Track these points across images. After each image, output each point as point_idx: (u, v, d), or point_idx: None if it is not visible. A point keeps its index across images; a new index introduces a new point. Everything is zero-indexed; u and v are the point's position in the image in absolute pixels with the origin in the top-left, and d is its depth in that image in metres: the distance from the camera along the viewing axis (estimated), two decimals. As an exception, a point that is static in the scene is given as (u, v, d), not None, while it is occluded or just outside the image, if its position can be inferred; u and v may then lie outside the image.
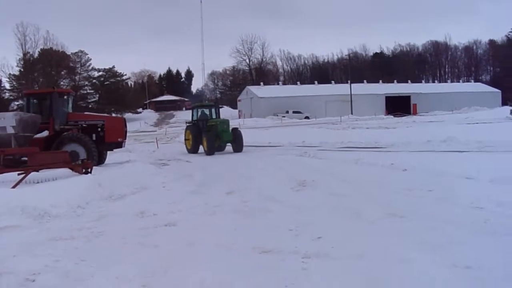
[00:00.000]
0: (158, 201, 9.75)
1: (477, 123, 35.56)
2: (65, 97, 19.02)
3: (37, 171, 12.51)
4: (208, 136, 22.92)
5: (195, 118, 25.45)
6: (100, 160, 18.54)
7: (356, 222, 7.01)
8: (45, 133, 17.28)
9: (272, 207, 8.31)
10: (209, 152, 22.60)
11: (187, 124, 26.07)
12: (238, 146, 23.32)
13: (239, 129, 24.82)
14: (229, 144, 23.81)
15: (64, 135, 17.44)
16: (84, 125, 18.44)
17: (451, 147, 17.30)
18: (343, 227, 6.74)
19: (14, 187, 10.79)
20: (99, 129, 18.51)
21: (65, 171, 12.74)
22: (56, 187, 10.59)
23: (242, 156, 21.10)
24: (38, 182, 12.06)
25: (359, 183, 10.84)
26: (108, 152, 19.88)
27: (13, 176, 11.70)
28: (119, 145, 18.98)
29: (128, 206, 9.40)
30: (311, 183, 10.86)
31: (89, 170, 12.90)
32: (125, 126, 19.44)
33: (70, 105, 19.44)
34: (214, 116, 25.27)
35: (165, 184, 12.64)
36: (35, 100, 18.80)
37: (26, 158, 13.45)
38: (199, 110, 25.81)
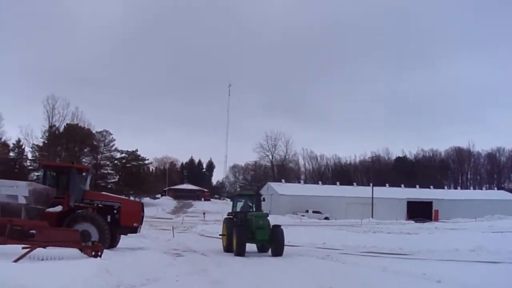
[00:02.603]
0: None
1: (501, 231, 34.09)
2: (84, 174, 18.68)
3: (44, 247, 11.77)
4: (238, 232, 18.62)
5: (235, 209, 21.60)
6: (112, 244, 17.78)
7: None
8: (59, 208, 16.65)
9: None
10: (238, 251, 18.16)
11: (226, 217, 22.05)
12: (277, 248, 18.49)
13: (281, 227, 19.61)
14: None
15: (78, 212, 16.81)
16: (99, 205, 17.89)
17: (481, 257, 16.34)
18: None
19: (16, 261, 10.37)
20: (115, 211, 17.81)
21: (74, 251, 12.03)
22: (60, 268, 9.90)
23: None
24: (42, 259, 11.33)
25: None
26: (122, 236, 19.02)
27: (17, 248, 11.15)
28: (134, 230, 18.21)
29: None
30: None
31: (99, 253, 12.33)
32: (142, 211, 18.84)
33: (88, 183, 19.07)
34: (253, 209, 21.01)
35: (179, 278, 11.61)
36: (52, 173, 18.46)
37: (34, 232, 12.91)
38: (238, 200, 22.12)
